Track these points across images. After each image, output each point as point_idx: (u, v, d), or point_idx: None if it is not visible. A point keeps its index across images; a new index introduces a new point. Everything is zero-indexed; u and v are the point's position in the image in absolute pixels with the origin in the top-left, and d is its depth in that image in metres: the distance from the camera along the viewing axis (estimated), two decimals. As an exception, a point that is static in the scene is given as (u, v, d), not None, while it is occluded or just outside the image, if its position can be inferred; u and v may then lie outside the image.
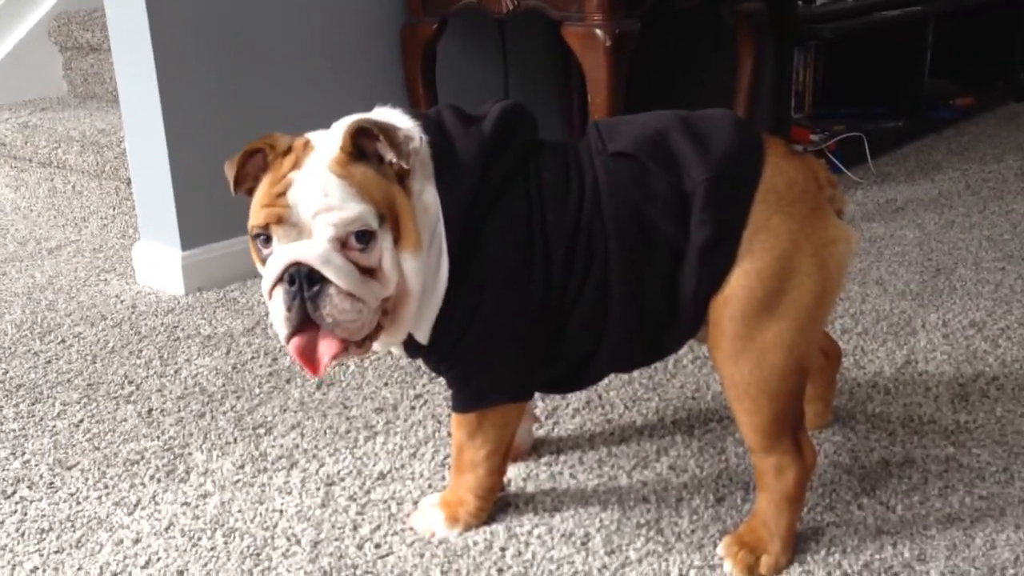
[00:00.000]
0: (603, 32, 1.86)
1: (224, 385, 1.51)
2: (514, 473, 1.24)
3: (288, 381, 1.51)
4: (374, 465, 1.27)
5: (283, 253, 0.95)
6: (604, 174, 1.04)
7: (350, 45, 2.11)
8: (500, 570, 1.06)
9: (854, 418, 1.35)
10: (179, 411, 1.43)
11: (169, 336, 1.69)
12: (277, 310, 0.96)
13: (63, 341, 1.68)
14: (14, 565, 1.08)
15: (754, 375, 1.01)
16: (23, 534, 1.13)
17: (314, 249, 0.94)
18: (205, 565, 1.07)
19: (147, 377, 1.53)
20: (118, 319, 1.77)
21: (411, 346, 1.07)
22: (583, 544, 1.10)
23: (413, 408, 1.42)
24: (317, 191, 0.95)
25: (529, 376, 1.09)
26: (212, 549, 1.10)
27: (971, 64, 3.44)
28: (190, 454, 1.31)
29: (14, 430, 1.38)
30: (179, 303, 1.84)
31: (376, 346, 1.05)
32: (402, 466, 1.27)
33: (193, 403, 1.45)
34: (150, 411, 1.42)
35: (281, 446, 1.32)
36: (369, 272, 0.97)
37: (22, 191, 2.39)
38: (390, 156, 0.98)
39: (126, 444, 1.33)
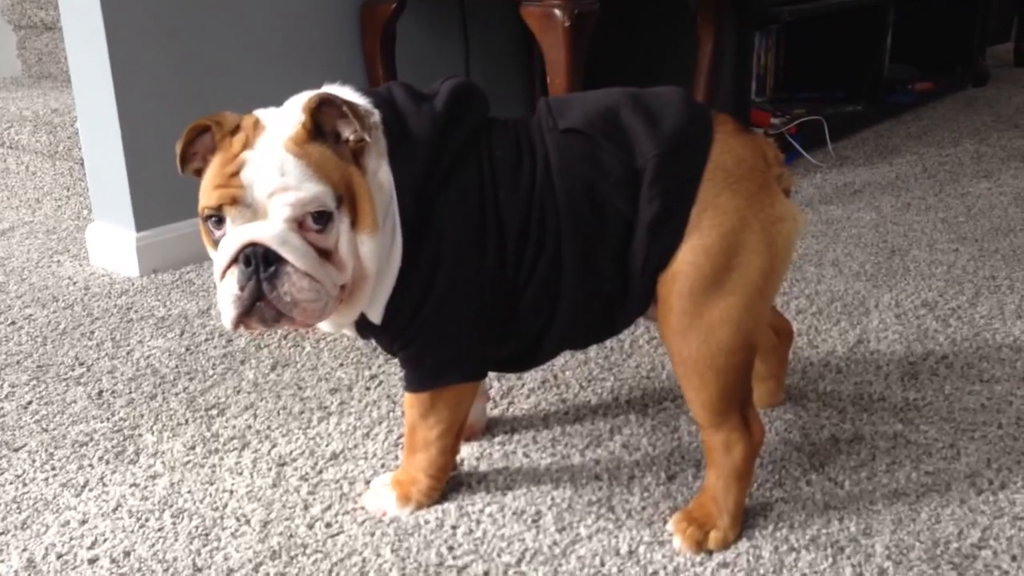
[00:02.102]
0: (562, 12, 1.85)
1: (177, 367, 1.49)
2: (467, 452, 1.24)
3: (242, 362, 1.50)
4: (327, 445, 1.27)
5: (238, 234, 0.94)
6: (555, 151, 1.04)
7: (308, 23, 2.09)
8: (451, 548, 1.06)
9: (806, 396, 1.36)
10: (130, 392, 1.41)
11: (122, 318, 1.67)
12: (228, 291, 0.95)
13: (13, 323, 1.66)
14: (-43, 547, 1.06)
15: (702, 351, 1.02)
16: (-33, 516, 1.12)
17: (271, 229, 0.93)
18: (152, 545, 1.06)
19: (98, 359, 1.51)
20: (70, 301, 1.75)
21: (364, 326, 1.06)
22: (534, 522, 1.10)
23: (368, 388, 1.41)
24: (273, 171, 0.94)
25: (484, 355, 1.09)
26: (160, 530, 1.09)
27: (930, 49, 3.48)
28: (140, 435, 1.29)
29: (-40, 412, 1.36)
30: (133, 285, 1.82)
31: (326, 327, 1.05)
32: (355, 446, 1.26)
33: (145, 384, 1.43)
34: (100, 393, 1.41)
35: (233, 427, 1.31)
36: (325, 255, 0.96)
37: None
38: (349, 133, 0.97)
39: (75, 426, 1.32)
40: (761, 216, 1.02)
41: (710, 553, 1.05)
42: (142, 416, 1.34)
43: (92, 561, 1.04)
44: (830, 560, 1.03)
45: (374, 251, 0.98)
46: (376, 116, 0.99)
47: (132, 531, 1.09)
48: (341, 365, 1.48)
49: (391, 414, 1.34)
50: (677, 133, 1.02)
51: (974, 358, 1.46)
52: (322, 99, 0.96)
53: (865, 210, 2.18)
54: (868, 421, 1.29)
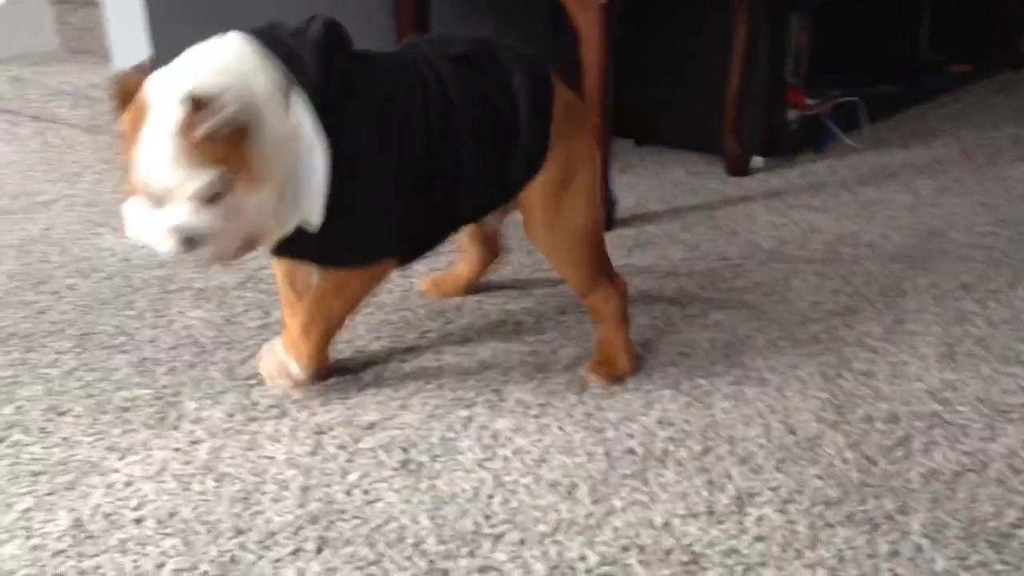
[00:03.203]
0: (598, -10, 1.85)
1: (216, 337, 1.51)
2: (503, 425, 1.25)
3: (279, 334, 1.52)
4: (364, 415, 1.28)
5: (155, 222, 1.08)
6: (448, 72, 1.25)
7: (340, 4, 2.09)
8: (487, 516, 1.07)
9: (841, 376, 1.36)
10: (171, 361, 1.43)
11: (161, 289, 1.70)
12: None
13: (56, 292, 1.69)
14: (7, 505, 1.09)
15: (568, 237, 1.34)
16: (16, 476, 1.14)
17: (177, 217, 1.08)
18: (196, 508, 1.09)
19: (140, 328, 1.54)
20: (111, 272, 1.77)
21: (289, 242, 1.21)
22: (569, 493, 1.11)
23: (403, 362, 1.43)
24: (166, 166, 1.06)
25: (410, 237, 1.28)
26: (202, 493, 1.11)
27: (968, 32, 3.43)
28: (181, 402, 1.32)
29: (6, 377, 1.38)
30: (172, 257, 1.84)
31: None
32: (392, 417, 1.28)
33: (185, 354, 1.46)
34: (142, 360, 1.43)
35: (272, 396, 1.33)
36: (233, 210, 1.10)
37: (14, 145, 2.38)
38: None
39: (118, 392, 1.34)
40: (584, 138, 1.34)
41: (620, 380, 1.35)
42: (183, 384, 1.37)
43: (138, 521, 1.06)
44: (866, 536, 1.03)
45: (269, 197, 1.12)
46: (227, 103, 1.07)
47: (176, 494, 1.11)
48: (377, 338, 1.50)
49: (426, 386, 1.36)
50: (538, 69, 1.30)
51: (1012, 340, 1.45)
52: (193, 99, 1.05)
53: (902, 192, 2.16)
54: (904, 401, 1.29)
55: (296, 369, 1.29)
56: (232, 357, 1.45)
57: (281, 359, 1.29)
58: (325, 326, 1.29)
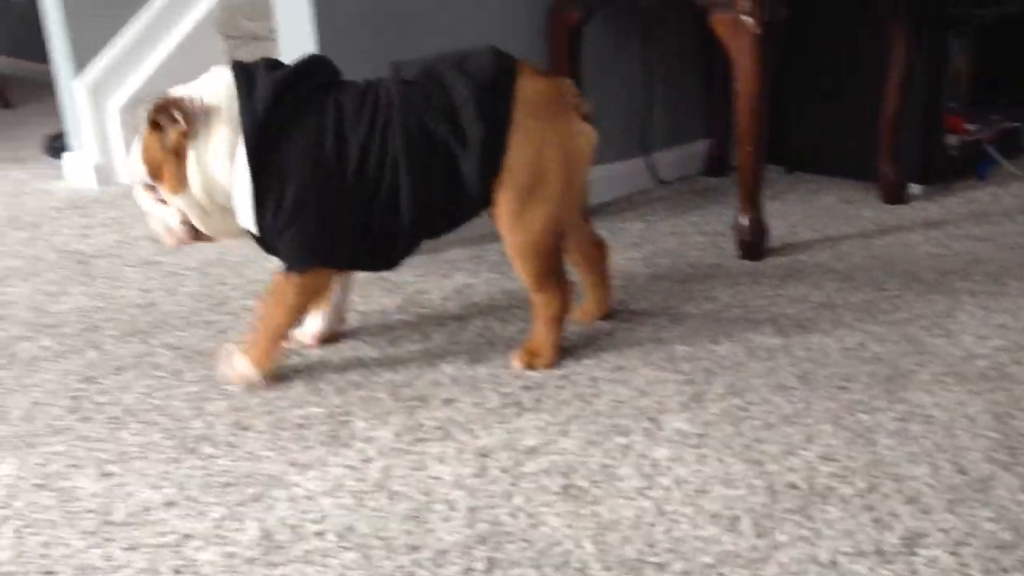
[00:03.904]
0: (751, 20, 1.86)
1: (380, 359, 1.58)
2: (661, 455, 1.27)
3: (440, 358, 1.58)
4: (525, 440, 1.32)
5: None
6: (397, 96, 1.42)
7: (500, 30, 2.16)
8: (650, 544, 1.09)
9: (1012, 415, 1.32)
10: (340, 381, 1.51)
11: (328, 311, 1.79)
12: None
13: (234, 313, 1.80)
14: (201, 514, 1.17)
15: (525, 239, 1.44)
16: (208, 487, 1.23)
17: (134, 195, 1.51)
18: (371, 524, 1.15)
19: (309, 348, 1.62)
20: (281, 294, 1.88)
21: (258, 240, 1.47)
22: (732, 526, 1.12)
23: (560, 388, 1.47)
24: (132, 157, 1.47)
25: (340, 249, 1.45)
26: (377, 509, 1.17)
27: None
28: (352, 422, 1.39)
29: (194, 393, 1.49)
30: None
31: (225, 238, 1.53)
32: (551, 442, 1.32)
33: (352, 374, 1.53)
34: (315, 380, 1.51)
35: (436, 418, 1.39)
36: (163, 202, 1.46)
37: (190, 172, 2.55)
38: (170, 130, 1.40)
39: (294, 410, 1.42)
40: (560, 135, 1.41)
41: (534, 369, 1.50)
42: (352, 404, 1.44)
43: (319, 534, 1.13)
44: (1043, 583, 1.00)
45: (184, 203, 1.43)
46: (205, 109, 1.39)
47: (352, 509, 1.18)
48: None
49: (583, 413, 1.39)
50: (484, 80, 1.40)
51: None
52: (158, 106, 1.39)
53: (1071, 222, 2.08)
54: (1081, 443, 1.25)
55: (247, 369, 1.47)
56: (396, 379, 1.51)
57: (237, 363, 1.48)
58: (270, 332, 1.47)
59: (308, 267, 1.44)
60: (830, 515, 1.13)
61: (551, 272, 1.48)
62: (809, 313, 1.70)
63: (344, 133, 1.41)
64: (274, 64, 1.45)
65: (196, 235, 1.49)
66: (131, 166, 1.46)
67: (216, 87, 1.42)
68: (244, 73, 1.43)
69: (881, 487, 1.18)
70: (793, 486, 1.19)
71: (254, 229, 1.44)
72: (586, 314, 1.69)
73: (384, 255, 1.50)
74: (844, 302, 1.74)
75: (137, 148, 1.45)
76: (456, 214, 1.49)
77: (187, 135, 1.40)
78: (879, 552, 1.06)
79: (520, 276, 1.48)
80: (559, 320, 1.51)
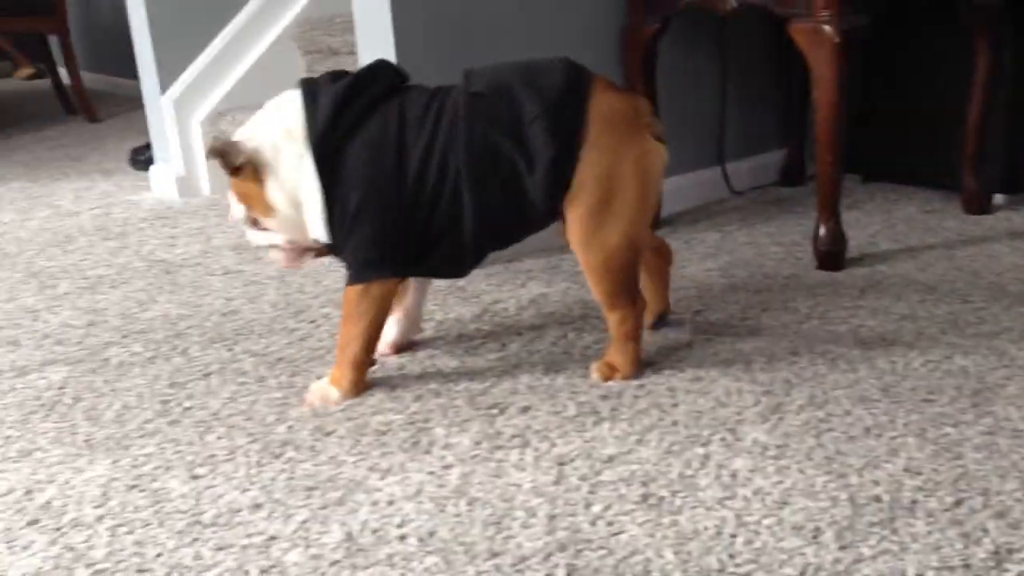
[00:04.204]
0: (831, 28, 1.84)
1: (457, 367, 1.60)
2: (740, 464, 1.26)
3: (516, 366, 1.59)
4: (602, 448, 1.33)
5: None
6: (463, 108, 1.41)
7: (573, 43, 2.18)
8: (731, 555, 1.09)
9: (1105, 429, 1.28)
10: (418, 388, 1.53)
11: (406, 320, 1.81)
12: None
13: (313, 321, 1.84)
14: (287, 516, 1.20)
15: (600, 257, 1.43)
16: (292, 490, 1.26)
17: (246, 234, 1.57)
18: (452, 529, 1.16)
19: (388, 357, 1.65)
20: (359, 303, 1.91)
21: (331, 250, 1.51)
22: (814, 538, 1.11)
23: (637, 397, 1.47)
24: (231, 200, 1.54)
25: (402, 261, 1.46)
26: (457, 515, 1.19)
27: None
28: (431, 429, 1.40)
29: (277, 399, 1.52)
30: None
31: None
32: (629, 451, 1.32)
33: (431, 382, 1.55)
34: (393, 387, 1.54)
35: (514, 426, 1.40)
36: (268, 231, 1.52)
37: (270, 184, 2.61)
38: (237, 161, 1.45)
39: (375, 416, 1.45)
40: (634, 152, 1.40)
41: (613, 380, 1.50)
42: (431, 411, 1.46)
43: (401, 538, 1.15)
44: None
45: (276, 223, 1.49)
46: (249, 145, 1.45)
47: (433, 514, 1.19)
48: (611, 373, 1.54)
49: (661, 422, 1.39)
50: (556, 97, 1.39)
51: None
52: (214, 150, 1.44)
53: None
54: None
55: (335, 395, 1.49)
56: (474, 387, 1.53)
57: (322, 387, 1.50)
58: (352, 354, 1.48)
59: (370, 276, 1.45)
60: (916, 529, 1.11)
61: (625, 291, 1.47)
62: (891, 325, 1.67)
63: (405, 141, 1.43)
64: (337, 76, 1.48)
65: (304, 252, 1.54)
66: (231, 210, 1.53)
67: (285, 107, 1.47)
68: (308, 88, 1.46)
69: (969, 501, 1.16)
70: (877, 499, 1.17)
71: (325, 238, 1.47)
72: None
73: (451, 263, 1.51)
74: (927, 314, 1.71)
75: (229, 194, 1.52)
76: (521, 228, 1.50)
77: (254, 165, 1.45)
78: (967, 567, 1.04)
79: (595, 294, 1.48)
80: (635, 336, 1.51)
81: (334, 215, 1.44)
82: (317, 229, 1.46)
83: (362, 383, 1.51)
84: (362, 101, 1.44)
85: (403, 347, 1.66)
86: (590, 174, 1.39)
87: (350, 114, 1.43)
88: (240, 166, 1.45)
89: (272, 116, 1.48)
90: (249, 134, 1.47)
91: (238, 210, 1.51)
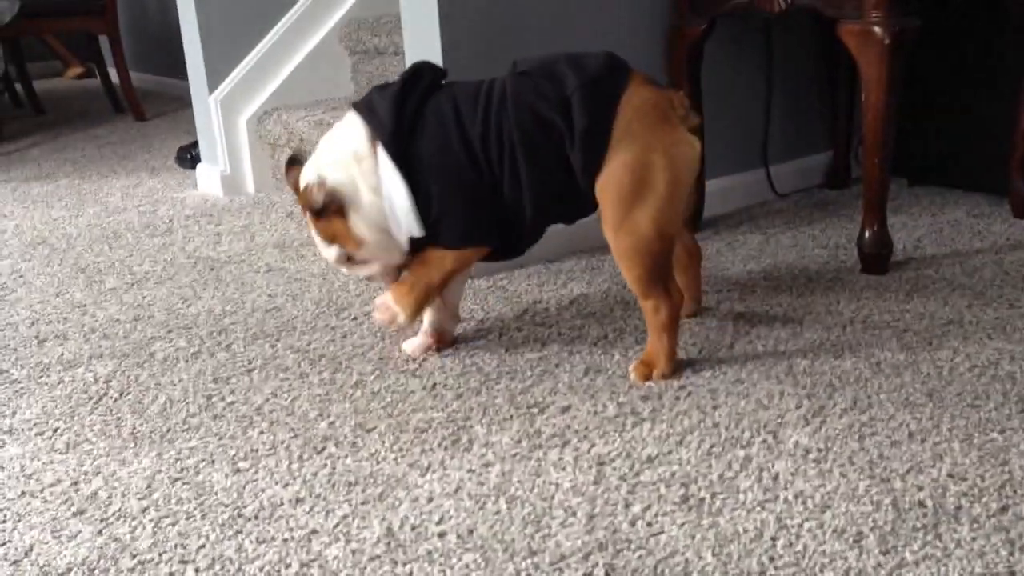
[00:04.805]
0: (881, 29, 1.82)
1: (498, 366, 1.61)
2: (781, 467, 1.25)
3: (557, 366, 1.59)
4: (642, 449, 1.32)
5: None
6: (511, 87, 1.49)
7: (616, 46, 2.17)
8: (771, 559, 1.08)
9: None
10: (459, 387, 1.54)
11: (446, 318, 1.82)
12: None
13: (355, 318, 1.85)
14: (327, 511, 1.21)
15: (631, 243, 1.45)
16: (333, 485, 1.27)
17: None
18: (492, 527, 1.16)
19: (430, 355, 1.66)
20: (401, 301, 1.92)
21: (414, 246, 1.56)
22: (856, 542, 1.10)
23: (677, 399, 1.46)
24: (318, 244, 1.60)
25: (487, 231, 1.54)
26: (497, 513, 1.19)
27: None
28: (471, 426, 1.41)
29: (319, 395, 1.54)
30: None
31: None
32: (669, 452, 1.31)
33: (471, 380, 1.56)
34: (434, 385, 1.55)
35: (554, 425, 1.40)
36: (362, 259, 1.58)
37: (313, 183, 2.63)
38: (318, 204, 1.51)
39: (415, 413, 1.46)
40: (665, 141, 1.42)
41: (654, 380, 1.50)
42: (471, 409, 1.46)
43: (441, 535, 1.15)
44: None
45: (368, 249, 1.54)
46: (323, 183, 1.50)
47: (472, 512, 1.20)
48: (651, 374, 1.54)
49: (701, 424, 1.38)
50: (596, 73, 1.44)
51: None
52: (302, 200, 1.53)
53: None
54: None
55: (400, 315, 1.56)
56: (514, 386, 1.53)
57: (390, 305, 1.57)
58: (424, 288, 1.55)
59: (467, 245, 1.54)
60: (960, 534, 1.10)
61: (656, 277, 1.47)
62: (937, 329, 1.65)
63: (464, 124, 1.49)
64: (382, 88, 1.55)
65: (402, 267, 1.60)
66: (324, 253, 1.58)
67: (345, 132, 1.54)
68: (365, 105, 1.53)
69: (1014, 508, 1.14)
70: (921, 504, 1.16)
71: (419, 232, 1.52)
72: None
73: (515, 239, 1.58)
74: (975, 319, 1.68)
75: (316, 239, 1.57)
76: (573, 203, 1.53)
77: (337, 203, 1.51)
78: (1012, 573, 1.02)
79: (628, 282, 1.49)
80: (671, 327, 1.51)
81: (420, 208, 1.50)
82: (410, 225, 1.51)
83: (420, 312, 1.59)
84: (414, 100, 1.51)
85: (442, 340, 1.67)
86: (620, 161, 1.42)
87: (408, 112, 1.50)
88: (323, 208, 1.50)
89: (336, 147, 1.53)
90: (322, 173, 1.51)
91: (330, 252, 1.56)
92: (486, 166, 1.49)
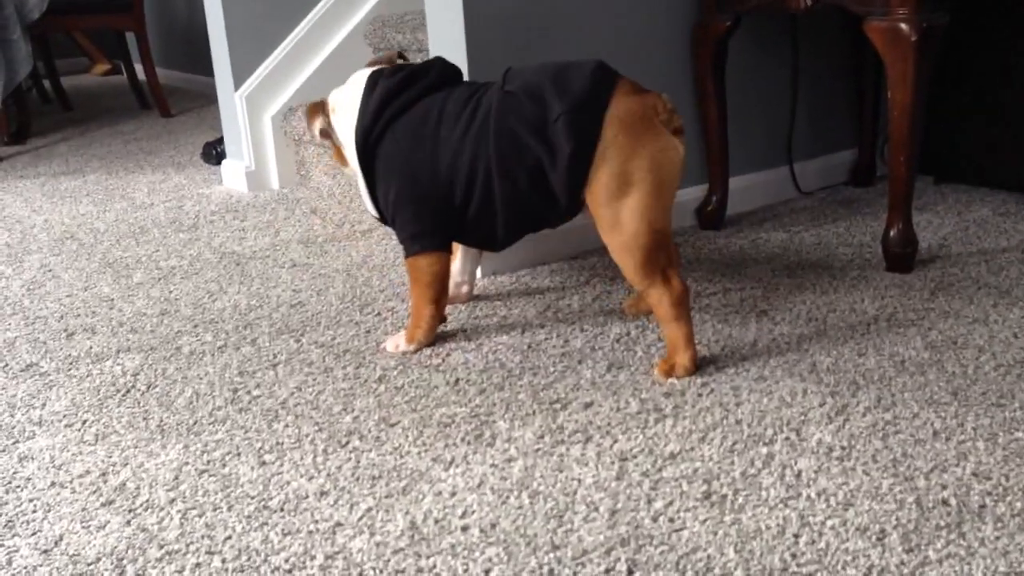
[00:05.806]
0: (909, 27, 1.81)
1: (521, 362, 1.61)
2: (804, 465, 1.25)
3: (579, 362, 1.60)
4: (665, 445, 1.33)
5: None
6: (497, 105, 1.54)
7: (643, 42, 2.17)
8: (793, 555, 1.08)
9: None
10: (482, 383, 1.55)
11: (470, 315, 1.83)
12: None
13: (379, 314, 1.87)
14: (352, 504, 1.23)
15: (622, 239, 1.50)
16: (358, 479, 1.28)
17: None
18: (514, 521, 1.17)
19: (453, 350, 1.67)
20: (424, 297, 1.93)
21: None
22: (879, 540, 1.10)
23: (700, 395, 1.46)
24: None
25: (444, 235, 1.64)
26: (519, 507, 1.20)
27: None
28: (494, 422, 1.42)
29: (344, 389, 1.55)
30: (477, 287, 1.98)
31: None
32: (691, 448, 1.32)
33: (494, 376, 1.57)
34: (457, 381, 1.56)
35: (576, 421, 1.41)
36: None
37: (338, 179, 2.64)
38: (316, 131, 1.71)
39: (438, 408, 1.47)
40: (649, 147, 1.47)
41: (678, 377, 1.52)
42: (494, 404, 1.47)
43: (464, 529, 1.16)
44: None
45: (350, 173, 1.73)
46: (317, 125, 1.71)
47: (495, 506, 1.20)
48: (674, 371, 1.54)
49: (724, 421, 1.38)
50: (580, 97, 1.47)
51: None
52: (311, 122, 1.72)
53: None
54: None
55: (403, 345, 1.67)
56: (537, 382, 1.54)
57: (396, 341, 1.68)
58: (416, 311, 1.67)
59: (416, 250, 1.64)
60: (984, 533, 1.09)
61: (651, 264, 1.50)
62: (962, 328, 1.64)
63: (440, 135, 1.58)
64: (397, 69, 1.65)
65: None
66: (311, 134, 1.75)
67: (355, 89, 1.67)
68: (372, 80, 1.64)
69: (1041, 508, 1.13)
70: (944, 502, 1.16)
71: (374, 213, 1.69)
72: (631, 306, 1.79)
73: (487, 241, 1.67)
74: (1000, 318, 1.67)
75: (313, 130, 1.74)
76: (548, 217, 1.61)
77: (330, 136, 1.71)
78: (1039, 575, 1.02)
79: (626, 277, 1.53)
80: (679, 314, 1.51)
81: (376, 198, 1.65)
82: (367, 204, 1.68)
83: (432, 336, 1.69)
84: (412, 93, 1.62)
85: (458, 298, 1.87)
86: (607, 170, 1.47)
87: (397, 104, 1.61)
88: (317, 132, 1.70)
89: (346, 95, 1.70)
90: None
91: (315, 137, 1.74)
92: (450, 175, 1.58)
